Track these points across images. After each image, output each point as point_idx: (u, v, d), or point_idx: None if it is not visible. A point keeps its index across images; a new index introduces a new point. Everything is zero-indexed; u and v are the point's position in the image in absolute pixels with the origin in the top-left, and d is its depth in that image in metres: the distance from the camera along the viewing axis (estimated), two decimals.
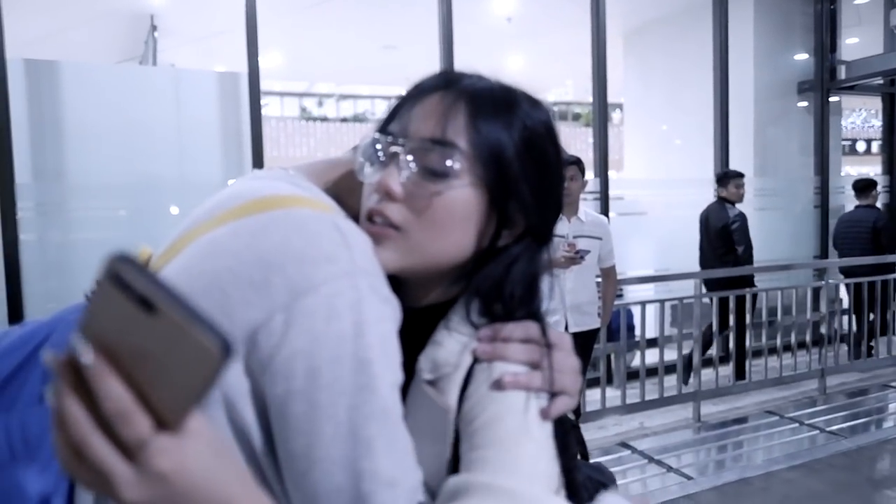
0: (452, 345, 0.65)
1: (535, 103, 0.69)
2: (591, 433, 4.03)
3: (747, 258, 4.73)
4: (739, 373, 4.62)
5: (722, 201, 4.80)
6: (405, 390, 0.67)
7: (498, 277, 0.67)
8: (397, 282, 0.69)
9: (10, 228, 3.28)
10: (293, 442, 0.54)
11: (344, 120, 14.11)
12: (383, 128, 0.68)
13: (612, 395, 4.18)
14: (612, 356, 4.60)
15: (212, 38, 5.36)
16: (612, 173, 4.98)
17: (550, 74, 9.10)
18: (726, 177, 4.82)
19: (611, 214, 4.93)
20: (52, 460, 0.57)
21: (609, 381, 4.38)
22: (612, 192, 4.91)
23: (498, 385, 0.62)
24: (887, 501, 3.09)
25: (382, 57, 7.10)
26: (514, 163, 0.64)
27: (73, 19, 5.16)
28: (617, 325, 4.53)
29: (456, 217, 0.64)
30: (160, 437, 0.39)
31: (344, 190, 0.71)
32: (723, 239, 4.72)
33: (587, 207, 3.49)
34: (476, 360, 0.65)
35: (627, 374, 4.26)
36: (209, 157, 3.89)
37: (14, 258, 3.28)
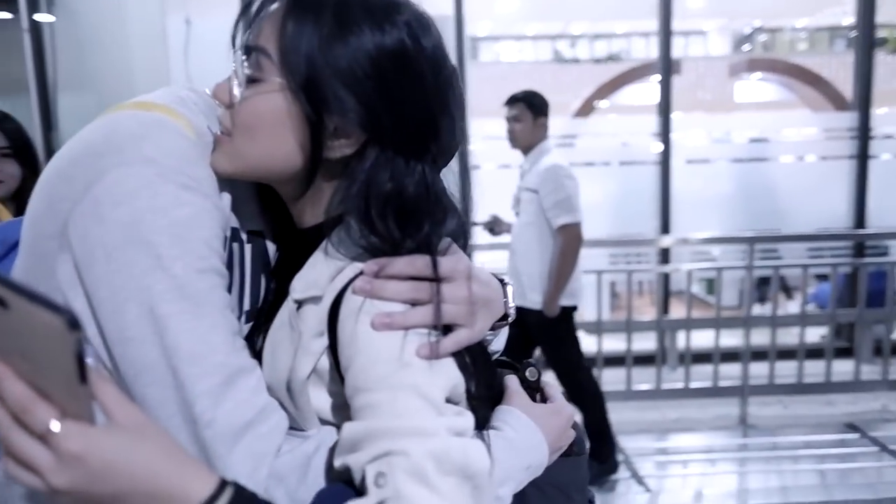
0: (326, 268, 0.65)
1: (388, 17, 0.62)
2: (814, 408, 3.53)
3: None
4: None
5: None
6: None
7: (361, 195, 0.64)
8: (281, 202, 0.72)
9: None
10: (108, 326, 0.59)
11: (597, 61, 13.62)
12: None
13: (842, 369, 3.58)
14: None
15: None
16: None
17: None
18: None
19: (884, 157, 4.11)
20: None
21: (850, 352, 3.77)
22: (878, 131, 4.08)
23: (372, 325, 0.60)
24: None
25: None
26: (324, 67, 0.61)
27: None
28: (878, 289, 3.84)
29: (264, 122, 0.64)
30: (67, 422, 0.43)
31: None
32: None
33: (552, 154, 2.75)
34: (346, 287, 0.63)
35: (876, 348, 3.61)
36: None
37: None
